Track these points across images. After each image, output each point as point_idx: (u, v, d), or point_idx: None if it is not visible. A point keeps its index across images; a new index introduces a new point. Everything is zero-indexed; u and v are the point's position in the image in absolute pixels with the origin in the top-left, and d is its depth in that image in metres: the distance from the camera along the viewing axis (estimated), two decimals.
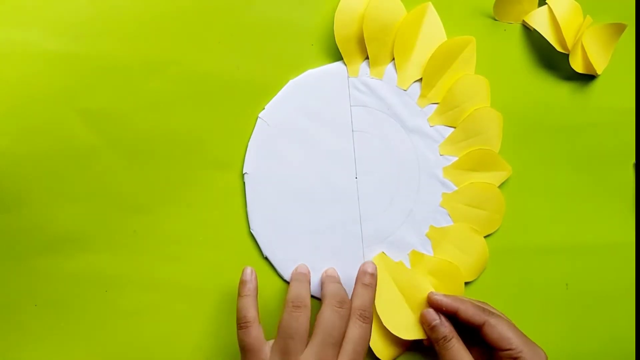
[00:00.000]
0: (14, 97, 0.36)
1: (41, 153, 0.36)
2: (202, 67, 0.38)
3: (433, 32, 0.39)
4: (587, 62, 0.40)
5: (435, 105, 0.40)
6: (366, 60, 0.40)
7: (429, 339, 0.37)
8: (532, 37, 0.41)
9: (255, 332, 0.33)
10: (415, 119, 0.40)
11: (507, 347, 0.34)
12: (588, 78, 0.42)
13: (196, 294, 0.38)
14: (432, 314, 0.36)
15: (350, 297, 0.36)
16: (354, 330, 0.34)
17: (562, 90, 0.42)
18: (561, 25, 0.39)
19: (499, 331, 0.34)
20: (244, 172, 0.38)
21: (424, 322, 0.37)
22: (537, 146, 0.41)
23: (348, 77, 0.39)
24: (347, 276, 0.38)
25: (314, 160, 0.39)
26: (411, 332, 0.38)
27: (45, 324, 0.37)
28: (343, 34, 0.38)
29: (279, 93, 0.39)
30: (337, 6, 0.39)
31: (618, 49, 0.41)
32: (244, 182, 0.39)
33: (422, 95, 0.40)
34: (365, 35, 0.38)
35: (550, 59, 0.41)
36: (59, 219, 0.37)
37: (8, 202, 0.36)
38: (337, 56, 0.39)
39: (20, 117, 0.36)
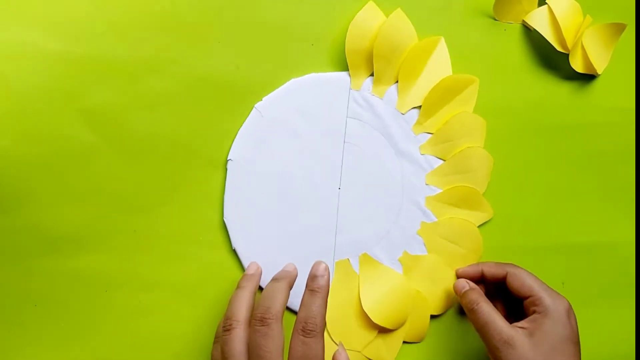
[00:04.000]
0: (14, 97, 0.36)
1: (41, 153, 0.36)
2: (202, 67, 0.38)
3: (440, 65, 0.40)
4: (587, 62, 0.40)
5: (430, 135, 0.40)
6: (371, 76, 0.39)
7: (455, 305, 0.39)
8: (532, 37, 0.41)
9: (240, 336, 0.31)
10: (408, 144, 0.40)
11: (529, 294, 0.35)
12: (588, 78, 0.42)
13: (196, 294, 0.38)
14: (461, 282, 0.38)
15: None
16: (296, 348, 0.30)
17: (562, 90, 0.42)
18: (561, 25, 0.39)
19: (520, 279, 0.36)
20: (228, 159, 0.38)
21: (456, 292, 0.38)
22: (536, 145, 0.41)
23: (350, 88, 0.39)
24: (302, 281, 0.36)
25: (300, 162, 0.39)
26: (354, 342, 0.38)
27: (45, 324, 0.37)
28: (353, 46, 0.38)
29: (279, 89, 0.39)
30: (337, 6, 0.39)
31: (618, 49, 0.41)
32: (226, 169, 0.38)
33: (419, 123, 0.40)
34: (374, 52, 0.38)
35: (550, 59, 0.41)
36: (59, 219, 0.37)
37: (8, 202, 0.36)
38: (336, 56, 0.39)
39: (20, 117, 0.36)
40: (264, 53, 0.39)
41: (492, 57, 0.41)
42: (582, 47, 0.40)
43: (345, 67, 0.39)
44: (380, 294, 0.38)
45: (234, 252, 0.38)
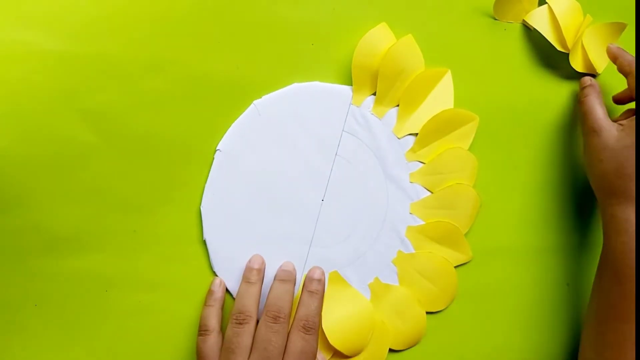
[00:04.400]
0: (14, 97, 0.36)
1: (41, 153, 0.36)
2: (202, 67, 0.38)
3: (443, 96, 0.40)
4: (587, 61, 0.40)
5: (421, 165, 0.40)
6: (373, 95, 0.39)
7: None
8: (532, 37, 0.41)
9: (212, 341, 0.34)
10: (399, 169, 0.40)
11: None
12: None
13: (196, 294, 0.38)
14: (586, 79, 0.40)
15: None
16: (296, 343, 0.33)
17: (562, 90, 0.42)
18: (561, 25, 0.39)
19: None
20: (217, 149, 0.38)
21: (580, 85, 0.40)
22: (536, 145, 0.41)
23: (351, 103, 0.39)
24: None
25: (288, 166, 0.39)
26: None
27: (45, 324, 0.37)
28: (360, 62, 0.38)
29: (281, 90, 0.39)
30: (337, 6, 0.39)
31: None
32: (214, 158, 0.38)
33: (413, 150, 0.40)
34: (379, 72, 0.38)
35: (550, 58, 0.41)
36: (59, 219, 0.37)
37: (8, 202, 0.36)
38: (336, 56, 0.39)
39: (20, 117, 0.36)
40: (264, 53, 0.39)
41: (492, 56, 0.41)
42: (582, 46, 0.40)
43: (344, 71, 0.39)
44: (343, 316, 0.37)
45: (204, 242, 0.38)
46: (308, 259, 0.38)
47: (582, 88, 0.40)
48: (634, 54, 0.42)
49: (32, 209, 0.36)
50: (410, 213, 0.40)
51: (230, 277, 0.38)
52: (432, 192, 0.40)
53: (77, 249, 0.37)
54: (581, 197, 0.42)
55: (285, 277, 0.36)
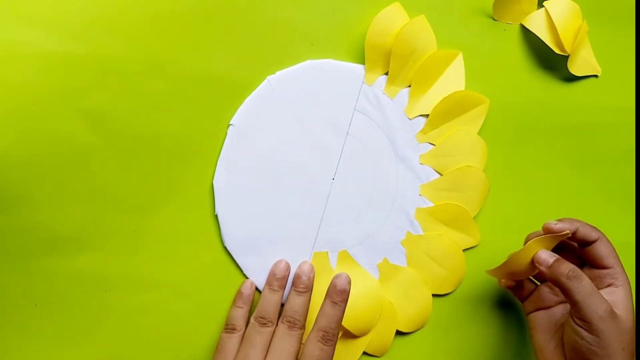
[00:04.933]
0: (14, 97, 0.36)
1: (41, 153, 0.36)
2: (202, 67, 0.38)
3: (455, 78, 0.40)
4: (586, 66, 0.40)
5: (432, 146, 0.40)
6: (385, 75, 0.39)
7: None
8: (532, 37, 0.41)
9: (236, 340, 0.35)
10: (409, 150, 0.40)
11: (611, 265, 0.34)
12: (588, 78, 0.42)
13: (196, 294, 0.38)
14: (546, 253, 0.34)
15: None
16: (312, 352, 0.33)
17: (562, 90, 0.42)
18: (558, 29, 0.39)
19: (608, 249, 0.34)
20: (230, 123, 0.38)
21: (541, 264, 0.33)
22: (536, 146, 0.41)
23: (363, 82, 0.39)
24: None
25: (300, 143, 0.39)
26: None
27: (45, 324, 0.37)
28: (374, 40, 0.38)
29: (294, 67, 0.39)
30: (336, 7, 0.39)
31: (618, 49, 0.41)
32: (227, 133, 0.38)
33: (423, 132, 0.40)
34: (392, 51, 0.38)
35: (550, 59, 0.41)
36: (59, 219, 0.37)
37: (8, 202, 0.36)
38: (336, 57, 0.39)
39: (20, 117, 0.36)
40: (264, 53, 0.39)
41: (492, 57, 0.41)
42: (581, 51, 0.40)
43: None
44: (352, 295, 0.37)
45: (216, 217, 0.38)
46: (317, 238, 0.39)
47: (554, 264, 0.33)
48: (634, 54, 0.42)
49: (32, 209, 0.36)
50: (420, 194, 0.40)
51: (240, 251, 0.38)
52: (441, 174, 0.40)
53: (77, 249, 0.37)
54: (580, 197, 0.42)
55: (305, 285, 0.36)
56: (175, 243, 0.38)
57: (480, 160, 0.40)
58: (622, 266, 0.34)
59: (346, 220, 0.39)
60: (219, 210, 0.38)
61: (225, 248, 0.38)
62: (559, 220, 0.35)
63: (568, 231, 0.34)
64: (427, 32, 0.39)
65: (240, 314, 0.36)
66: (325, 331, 0.34)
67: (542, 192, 0.41)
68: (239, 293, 0.37)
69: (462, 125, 0.40)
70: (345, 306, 0.35)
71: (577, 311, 0.32)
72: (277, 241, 0.38)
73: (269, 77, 0.38)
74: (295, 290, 0.36)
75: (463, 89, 0.40)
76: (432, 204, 0.40)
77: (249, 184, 0.38)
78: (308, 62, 0.39)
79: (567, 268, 0.32)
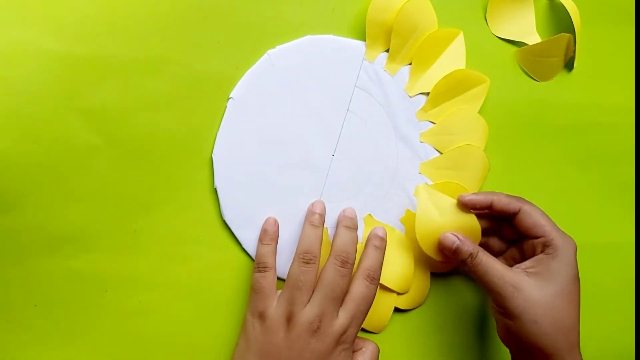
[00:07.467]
0: (14, 97, 0.36)
1: (41, 153, 0.36)
2: (202, 67, 0.38)
3: (455, 57, 0.40)
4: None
5: (432, 125, 0.40)
6: (386, 52, 0.39)
7: (446, 261, 0.37)
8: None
9: (271, 278, 0.35)
10: (409, 128, 0.40)
11: (541, 234, 0.34)
12: (588, 78, 0.42)
13: (196, 294, 0.38)
14: (449, 237, 0.35)
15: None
16: (359, 289, 0.34)
17: (562, 90, 0.42)
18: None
19: (534, 218, 0.34)
20: (230, 97, 0.38)
21: (444, 248, 0.36)
22: (536, 145, 0.41)
23: (364, 58, 0.39)
24: (282, 239, 0.38)
25: (300, 118, 0.39)
26: None
27: (45, 324, 0.37)
28: (375, 17, 0.38)
29: (294, 41, 0.39)
30: (335, 7, 0.39)
31: (618, 49, 0.41)
32: (226, 106, 0.38)
33: (424, 110, 0.40)
34: (393, 28, 0.38)
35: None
36: (59, 219, 0.37)
37: (8, 202, 0.36)
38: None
39: (20, 117, 0.36)
40: (263, 53, 0.39)
41: (491, 57, 0.41)
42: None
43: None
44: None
45: (215, 190, 0.38)
46: None
47: (456, 249, 0.35)
48: (634, 54, 0.42)
49: (32, 209, 0.36)
50: (420, 173, 0.40)
51: (239, 225, 0.38)
52: (441, 153, 0.40)
53: (77, 249, 0.37)
54: (579, 197, 0.42)
55: (351, 224, 0.37)
56: (175, 243, 0.38)
57: (481, 139, 0.40)
58: (559, 232, 0.34)
59: (346, 196, 0.39)
60: (218, 183, 0.38)
61: (224, 222, 0.38)
62: (475, 193, 0.36)
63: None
64: (428, 10, 0.39)
65: (268, 250, 0.36)
66: (370, 270, 0.35)
67: (541, 192, 0.41)
68: (263, 231, 0.37)
69: (463, 104, 0.40)
70: (384, 251, 0.36)
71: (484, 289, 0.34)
72: (276, 215, 0.38)
73: (269, 51, 0.38)
74: (344, 226, 0.36)
75: (464, 68, 0.40)
76: (432, 183, 0.40)
77: (248, 158, 0.38)
78: (308, 37, 0.39)
79: (463, 251, 0.34)
